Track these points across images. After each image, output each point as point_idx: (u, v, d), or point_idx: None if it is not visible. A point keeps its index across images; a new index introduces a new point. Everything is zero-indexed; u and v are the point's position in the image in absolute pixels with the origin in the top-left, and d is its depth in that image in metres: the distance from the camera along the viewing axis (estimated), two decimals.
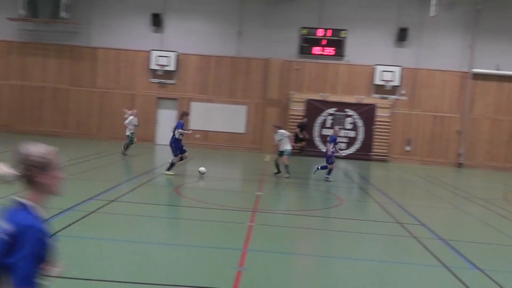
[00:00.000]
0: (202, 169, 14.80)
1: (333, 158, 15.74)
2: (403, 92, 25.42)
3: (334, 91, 25.32)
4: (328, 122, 24.90)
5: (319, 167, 15.70)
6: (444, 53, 25.36)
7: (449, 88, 25.59)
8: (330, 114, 24.96)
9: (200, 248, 7.53)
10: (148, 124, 25.39)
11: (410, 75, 25.39)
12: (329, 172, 15.65)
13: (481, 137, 25.60)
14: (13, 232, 2.47)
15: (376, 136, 25.03)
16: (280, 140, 15.63)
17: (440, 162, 25.47)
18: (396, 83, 25.03)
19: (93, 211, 9.08)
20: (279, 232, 8.95)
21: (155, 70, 25.41)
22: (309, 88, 25.36)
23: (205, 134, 25.19)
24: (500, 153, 25.68)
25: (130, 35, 25.55)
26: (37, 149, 2.59)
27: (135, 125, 19.42)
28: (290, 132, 17.93)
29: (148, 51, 25.27)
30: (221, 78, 25.65)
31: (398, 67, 24.97)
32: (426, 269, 7.37)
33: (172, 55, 25.19)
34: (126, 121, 19.29)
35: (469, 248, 8.82)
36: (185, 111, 16.67)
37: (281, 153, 15.54)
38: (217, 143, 25.42)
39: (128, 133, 19.20)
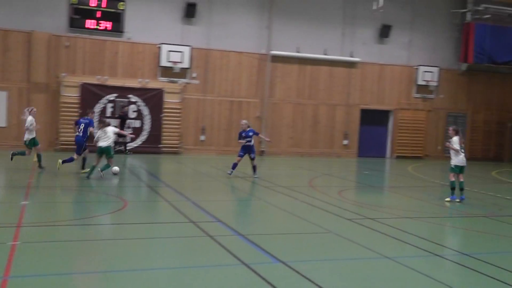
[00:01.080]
0: (115, 168, 16.24)
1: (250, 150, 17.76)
2: (194, 75, 26.00)
3: (114, 74, 24.82)
4: (108, 111, 24.38)
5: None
6: (239, 33, 26.53)
7: (246, 71, 26.88)
8: (110, 101, 24.44)
9: None
10: None
11: (201, 56, 26.06)
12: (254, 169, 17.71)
13: (283, 122, 27.47)
14: None
15: (165, 126, 25.24)
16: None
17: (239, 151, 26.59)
18: (185, 65, 25.45)
19: None
20: (51, 249, 8.39)
21: None
22: (84, 70, 24.46)
23: None
24: (305, 138, 27.93)
25: None
26: None
27: (34, 127, 16.93)
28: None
29: None
30: None
31: (187, 47, 25.43)
32: (223, 270, 7.56)
33: None
34: (28, 124, 16.68)
35: (271, 240, 9.33)
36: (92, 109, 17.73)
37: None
38: None
39: (28, 136, 16.73)
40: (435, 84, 29.88)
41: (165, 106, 25.23)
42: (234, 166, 17.82)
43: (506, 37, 29.56)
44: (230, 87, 26.73)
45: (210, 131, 26.39)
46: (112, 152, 16.09)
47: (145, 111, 24.83)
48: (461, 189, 14.70)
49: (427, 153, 30.28)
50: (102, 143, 15.69)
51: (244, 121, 18.70)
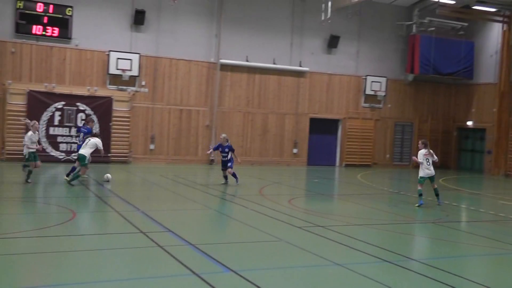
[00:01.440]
0: (108, 176, 17.50)
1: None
2: (143, 83, 25.74)
3: (62, 81, 24.33)
4: (56, 119, 23.87)
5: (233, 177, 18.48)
6: (188, 41, 26.43)
7: (195, 79, 26.77)
8: (58, 109, 23.92)
9: None
10: None
11: (150, 64, 25.84)
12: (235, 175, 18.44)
13: (233, 131, 27.42)
14: None
15: (114, 134, 24.86)
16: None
17: (189, 160, 26.53)
18: (134, 72, 25.17)
19: None
20: None
21: None
22: (31, 77, 23.87)
23: None
24: (254, 147, 27.97)
25: None
26: None
27: (33, 142, 16.26)
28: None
29: None
30: None
31: (136, 55, 25.18)
32: (174, 280, 7.46)
33: None
34: (26, 138, 16.22)
35: (222, 250, 9.28)
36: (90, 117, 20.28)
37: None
38: None
39: (25, 151, 16.18)
40: (382, 94, 30.45)
41: (114, 114, 24.86)
42: (225, 177, 18.84)
43: (449, 49, 30.39)
44: (179, 96, 26.56)
45: (159, 140, 26.15)
46: (86, 162, 16.56)
47: (94, 119, 24.38)
48: (437, 195, 15.79)
49: (375, 161, 30.79)
50: (81, 151, 16.67)
51: (223, 135, 19.27)
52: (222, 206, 14.39)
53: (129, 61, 24.96)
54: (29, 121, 17.21)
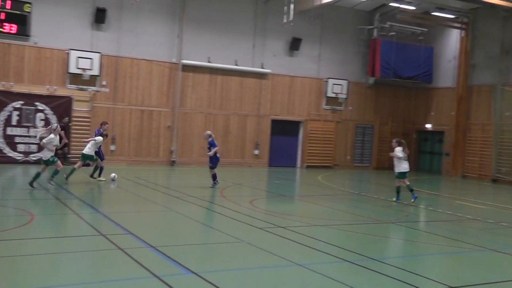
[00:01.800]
0: (113, 175, 18.53)
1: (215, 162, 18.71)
2: (104, 83, 25.43)
3: (20, 80, 23.84)
4: (14, 119, 23.40)
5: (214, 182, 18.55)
6: (149, 41, 26.22)
7: (157, 79, 26.58)
8: (16, 109, 23.45)
9: None
10: None
11: (111, 63, 25.54)
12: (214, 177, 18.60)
13: (195, 132, 27.32)
14: None
15: (74, 135, 24.46)
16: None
17: (150, 161, 26.32)
18: (95, 72, 24.85)
19: None
20: None
21: None
22: None
23: None
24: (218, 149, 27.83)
25: None
26: None
27: (55, 146, 16.05)
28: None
29: None
30: None
31: (97, 54, 24.85)
32: (135, 283, 7.40)
33: None
34: (47, 142, 15.80)
35: (183, 252, 9.25)
36: (105, 120, 20.66)
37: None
38: None
39: (48, 155, 15.83)
40: (344, 96, 30.76)
41: (74, 114, 24.48)
42: (213, 177, 18.79)
43: (409, 53, 30.91)
44: (141, 96, 26.34)
45: (120, 141, 25.86)
46: (95, 157, 17.98)
47: (53, 119, 23.98)
48: (411, 190, 16.80)
49: (336, 162, 31.07)
50: (84, 150, 17.87)
51: (206, 132, 19.57)
52: (183, 207, 14.31)
53: (89, 60, 24.61)
54: (55, 124, 17.34)
